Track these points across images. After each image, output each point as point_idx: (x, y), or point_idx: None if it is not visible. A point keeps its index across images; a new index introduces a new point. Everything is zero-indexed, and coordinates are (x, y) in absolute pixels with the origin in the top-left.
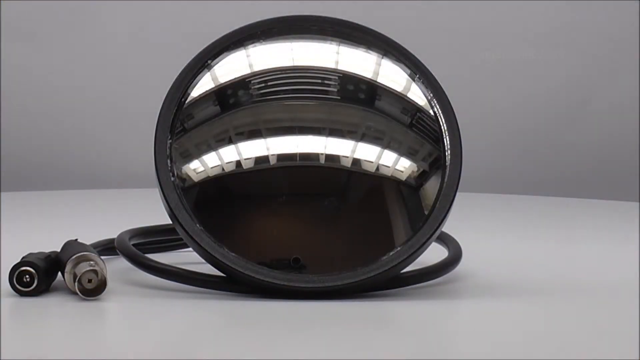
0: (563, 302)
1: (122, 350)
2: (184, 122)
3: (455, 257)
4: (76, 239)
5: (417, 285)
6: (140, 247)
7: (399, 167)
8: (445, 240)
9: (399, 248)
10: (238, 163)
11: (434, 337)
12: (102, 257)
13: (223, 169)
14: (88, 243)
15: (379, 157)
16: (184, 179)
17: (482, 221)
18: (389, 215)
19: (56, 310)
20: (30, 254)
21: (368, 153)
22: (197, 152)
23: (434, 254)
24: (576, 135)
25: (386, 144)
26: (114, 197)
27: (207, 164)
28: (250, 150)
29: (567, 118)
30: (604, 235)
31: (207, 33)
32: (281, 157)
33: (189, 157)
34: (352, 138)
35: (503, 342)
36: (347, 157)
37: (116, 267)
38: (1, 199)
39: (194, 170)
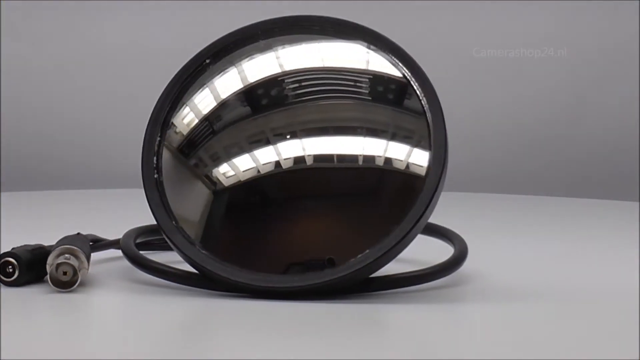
0: (562, 302)
1: (95, 348)
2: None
3: (459, 257)
4: (77, 233)
5: (418, 286)
6: (147, 245)
7: (387, 157)
8: (452, 239)
9: (367, 250)
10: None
11: (433, 338)
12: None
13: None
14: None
15: (360, 149)
16: (214, 182)
17: (482, 221)
18: (366, 216)
19: (30, 302)
20: (22, 245)
21: (339, 148)
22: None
23: (439, 253)
24: (576, 135)
25: (359, 134)
26: (114, 197)
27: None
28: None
29: (567, 118)
30: (604, 235)
31: (207, 33)
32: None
33: (218, 160)
34: (337, 134)
35: (502, 342)
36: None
37: (119, 265)
38: (1, 199)
39: (224, 174)
